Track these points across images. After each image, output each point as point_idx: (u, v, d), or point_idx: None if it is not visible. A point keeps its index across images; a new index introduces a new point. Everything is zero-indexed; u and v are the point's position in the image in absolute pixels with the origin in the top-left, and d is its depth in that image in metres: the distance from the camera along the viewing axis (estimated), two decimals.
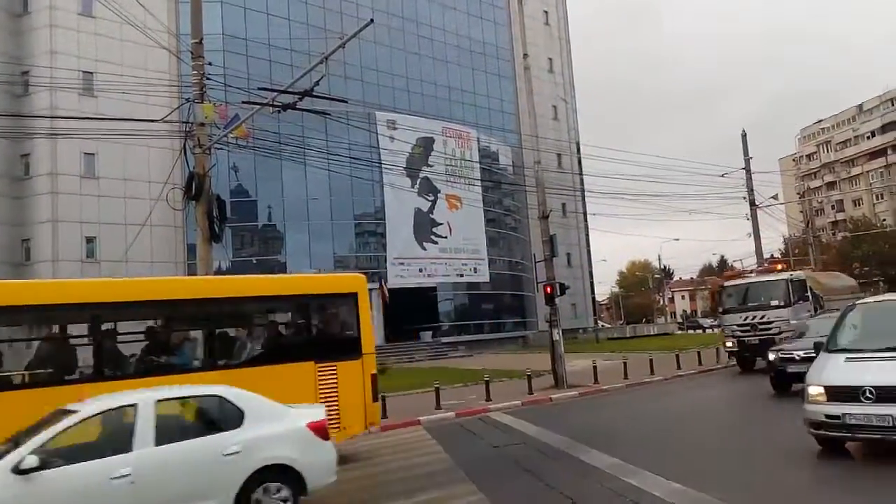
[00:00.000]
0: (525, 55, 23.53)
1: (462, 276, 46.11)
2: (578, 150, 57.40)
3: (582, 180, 51.81)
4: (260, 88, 14.15)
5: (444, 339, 43.27)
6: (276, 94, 13.37)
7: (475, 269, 46.70)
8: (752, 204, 33.71)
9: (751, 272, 24.41)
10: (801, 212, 72.10)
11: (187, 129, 14.26)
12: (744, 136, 34.47)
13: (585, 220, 59.64)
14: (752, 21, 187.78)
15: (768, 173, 64.34)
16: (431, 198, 44.78)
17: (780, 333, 19.54)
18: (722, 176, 35.14)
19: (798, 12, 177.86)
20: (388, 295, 39.78)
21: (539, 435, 12.43)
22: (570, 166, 54.37)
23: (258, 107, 13.69)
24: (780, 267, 22.66)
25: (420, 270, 43.63)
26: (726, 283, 23.39)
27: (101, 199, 36.36)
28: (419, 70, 48.04)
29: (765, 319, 20.74)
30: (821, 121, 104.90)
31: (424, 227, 44.26)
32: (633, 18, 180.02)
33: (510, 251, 51.31)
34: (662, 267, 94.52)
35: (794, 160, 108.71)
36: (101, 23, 35.69)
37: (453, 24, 51.27)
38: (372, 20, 11.57)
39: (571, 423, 14.27)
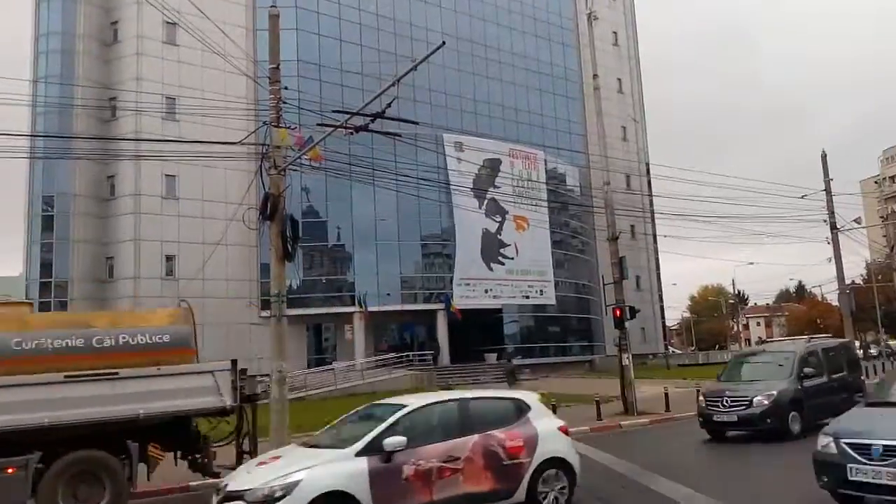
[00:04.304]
0: (595, 76, 23.41)
1: (528, 297, 45.78)
2: (648, 170, 56.42)
3: (651, 202, 50.79)
4: (334, 111, 14.48)
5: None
6: (349, 116, 13.64)
7: (541, 290, 46.30)
8: (833, 227, 32.35)
9: None
10: (884, 236, 68.85)
11: (263, 151, 14.70)
12: (824, 156, 33.20)
13: (655, 242, 58.44)
14: (840, 43, 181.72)
15: (849, 195, 61.86)
16: (499, 219, 44.75)
17: None
18: (802, 198, 33.82)
19: (885, 31, 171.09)
20: (460, 312, 40.02)
21: (609, 462, 12.16)
22: (640, 187, 53.48)
23: (332, 129, 14.00)
24: None
25: (486, 291, 43.55)
26: None
27: (181, 218, 37.81)
28: (487, 92, 48.34)
29: None
30: None
31: (492, 248, 44.23)
32: (720, 41, 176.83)
33: (577, 273, 50.70)
34: (737, 292, 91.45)
35: (876, 182, 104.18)
36: (183, 51, 37.38)
37: (521, 46, 51.47)
38: (444, 42, 11.68)
39: (642, 451, 13.90)
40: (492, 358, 43.27)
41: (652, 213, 50.91)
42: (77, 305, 36.89)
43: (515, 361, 36.54)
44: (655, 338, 58.88)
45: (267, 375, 14.09)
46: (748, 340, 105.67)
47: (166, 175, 37.32)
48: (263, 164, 14.56)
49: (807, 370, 14.10)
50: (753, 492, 9.36)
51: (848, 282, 36.49)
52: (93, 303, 37.18)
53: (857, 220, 49.87)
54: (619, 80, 59.43)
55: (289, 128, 14.30)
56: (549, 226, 47.01)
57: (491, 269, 43.97)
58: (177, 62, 38.50)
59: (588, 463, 12.28)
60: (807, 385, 13.90)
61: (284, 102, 14.64)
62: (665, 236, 53.45)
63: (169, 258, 37.60)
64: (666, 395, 20.33)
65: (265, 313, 33.37)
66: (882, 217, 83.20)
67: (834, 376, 14.91)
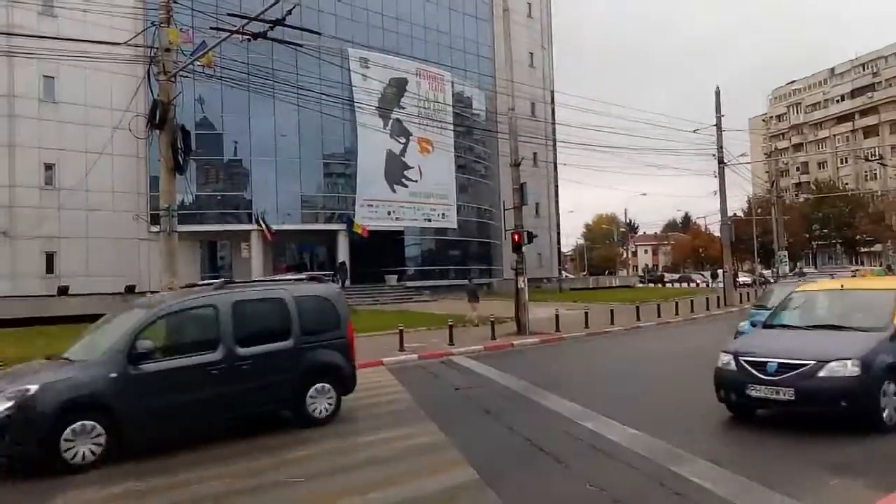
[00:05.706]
0: None
1: (430, 220, 45.96)
2: (553, 99, 56.97)
3: (554, 130, 51.61)
4: (229, 14, 13.61)
5: (410, 284, 43.30)
6: (246, 21, 12.87)
7: (443, 214, 46.57)
8: (721, 161, 34.04)
9: None
10: (767, 172, 73.16)
11: (152, 54, 13.73)
12: (717, 92, 34.54)
13: (556, 170, 59.61)
14: None
15: (738, 131, 65.00)
16: (403, 140, 44.17)
17: None
18: (694, 132, 35.32)
19: None
20: (367, 231, 40.10)
21: (500, 378, 12.63)
22: (544, 115, 53.99)
23: (227, 34, 13.18)
24: None
25: (388, 213, 43.34)
26: None
27: (62, 124, 35.09)
28: (395, 6, 46.74)
29: None
30: (793, 82, 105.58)
31: (395, 170, 43.79)
32: None
33: (479, 198, 51.18)
34: (628, 221, 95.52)
35: (763, 120, 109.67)
36: None
37: None
38: None
39: (531, 368, 14.51)
40: (392, 280, 43.56)
41: (554, 141, 51.79)
42: None
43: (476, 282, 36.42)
44: (551, 263, 60.86)
45: (156, 292, 13.61)
46: (636, 267, 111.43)
47: (45, 76, 34.30)
48: (151, 69, 13.65)
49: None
50: (631, 403, 9.96)
51: (730, 214, 38.74)
52: None
53: (743, 156, 52.61)
54: (529, 4, 58.93)
55: (180, 30, 13.38)
56: (454, 150, 46.91)
57: (394, 190, 43.67)
58: None
59: (480, 379, 12.76)
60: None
61: (175, 2, 13.64)
62: (565, 164, 54.60)
63: (48, 167, 35.03)
64: (557, 316, 21.28)
65: (155, 228, 31.86)
66: (766, 154, 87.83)
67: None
